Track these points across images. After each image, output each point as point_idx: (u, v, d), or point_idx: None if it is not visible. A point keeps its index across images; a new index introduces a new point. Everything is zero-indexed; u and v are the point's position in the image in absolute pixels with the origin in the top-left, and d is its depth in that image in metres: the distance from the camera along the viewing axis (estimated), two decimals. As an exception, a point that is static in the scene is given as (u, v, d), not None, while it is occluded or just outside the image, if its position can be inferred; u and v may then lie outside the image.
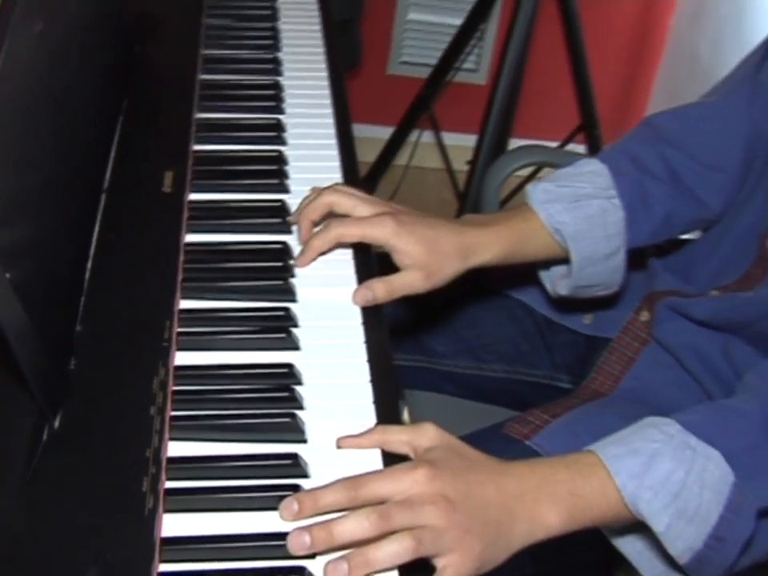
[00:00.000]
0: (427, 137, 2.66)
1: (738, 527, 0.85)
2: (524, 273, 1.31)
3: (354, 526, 0.72)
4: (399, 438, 0.82)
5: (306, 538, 0.72)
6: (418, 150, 2.64)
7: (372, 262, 1.05)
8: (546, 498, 0.82)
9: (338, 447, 0.82)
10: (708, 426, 0.88)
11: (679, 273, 1.25)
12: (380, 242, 1.02)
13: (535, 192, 1.12)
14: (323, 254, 1.03)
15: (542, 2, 2.21)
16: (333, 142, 1.21)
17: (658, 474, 0.83)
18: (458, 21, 2.42)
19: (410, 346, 1.32)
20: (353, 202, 1.03)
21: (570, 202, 1.11)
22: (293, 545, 0.72)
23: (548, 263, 1.18)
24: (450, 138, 2.63)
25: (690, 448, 0.85)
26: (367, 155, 2.45)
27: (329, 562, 0.71)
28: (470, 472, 0.80)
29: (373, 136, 2.67)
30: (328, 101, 1.29)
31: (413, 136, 2.57)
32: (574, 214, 1.11)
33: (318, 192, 1.04)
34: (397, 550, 0.72)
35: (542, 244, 1.12)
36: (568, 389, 1.30)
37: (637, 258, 1.30)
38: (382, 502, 0.75)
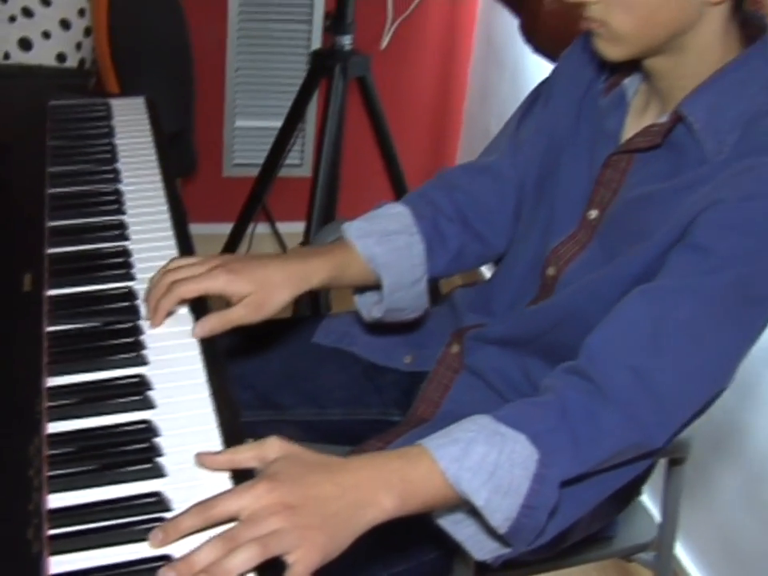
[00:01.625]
0: (263, 228, 2.76)
1: (544, 496, 0.96)
2: (350, 330, 1.43)
3: (207, 554, 0.80)
4: (246, 454, 0.90)
5: (173, 573, 0.79)
6: (256, 241, 2.72)
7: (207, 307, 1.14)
8: (380, 485, 0.90)
9: (197, 463, 0.90)
10: (515, 416, 0.99)
11: (480, 309, 1.37)
12: (216, 291, 1.11)
13: (351, 229, 1.24)
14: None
15: (350, 98, 2.33)
16: (170, 234, 1.29)
17: (475, 456, 0.93)
18: (279, 123, 2.51)
19: (258, 403, 1.40)
20: (186, 269, 1.12)
21: (380, 236, 1.24)
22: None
23: (363, 290, 1.29)
24: (283, 227, 2.75)
25: (500, 434, 0.96)
26: (212, 250, 2.52)
27: None
28: (308, 475, 0.88)
29: (216, 232, 2.74)
30: (165, 204, 1.37)
31: (251, 228, 2.65)
32: (385, 246, 1.23)
33: (160, 271, 1.13)
34: (246, 558, 0.80)
35: (358, 272, 1.24)
36: (398, 420, 1.40)
37: (444, 303, 1.44)
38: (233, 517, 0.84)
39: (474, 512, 0.96)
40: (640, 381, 1.01)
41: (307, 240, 2.37)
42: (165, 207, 1.35)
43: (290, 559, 0.83)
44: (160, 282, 1.11)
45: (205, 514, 0.83)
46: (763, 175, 1.02)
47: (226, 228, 2.63)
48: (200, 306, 1.13)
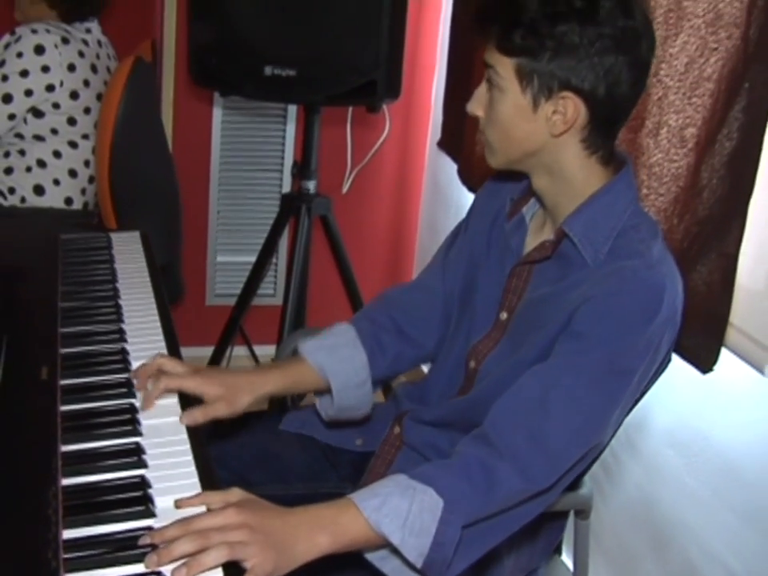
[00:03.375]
0: (241, 350, 2.91)
1: (449, 534, 1.15)
2: (310, 419, 1.61)
3: (185, 547, 0.99)
4: (216, 498, 1.09)
5: (155, 558, 0.98)
6: (234, 362, 2.86)
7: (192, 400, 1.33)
8: (316, 528, 1.10)
9: (176, 507, 1.08)
10: (425, 473, 1.19)
11: (416, 400, 1.56)
12: (192, 390, 1.33)
13: (304, 345, 1.46)
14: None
15: (315, 235, 2.55)
16: (161, 338, 1.49)
17: (391, 506, 1.13)
18: (255, 258, 2.69)
19: (233, 480, 1.55)
20: (173, 364, 1.34)
21: (329, 350, 1.46)
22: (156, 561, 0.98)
23: (320, 393, 1.49)
24: (259, 349, 2.90)
25: (413, 488, 1.16)
26: (195, 368, 2.67)
27: (174, 568, 0.97)
28: (264, 510, 1.09)
29: (198, 355, 2.84)
30: (156, 315, 1.57)
31: (229, 351, 2.80)
32: (332, 357, 1.45)
33: (151, 359, 1.34)
34: (217, 556, 0.99)
35: (312, 380, 1.45)
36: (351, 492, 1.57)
37: (390, 397, 1.63)
38: None
39: (395, 550, 1.15)
40: (531, 438, 1.21)
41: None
42: (156, 318, 1.56)
43: (248, 564, 1.02)
44: (151, 363, 1.32)
45: (187, 527, 1.01)
46: (626, 275, 1.24)
47: (207, 351, 2.78)
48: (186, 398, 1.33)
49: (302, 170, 2.51)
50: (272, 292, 3.13)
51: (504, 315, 1.42)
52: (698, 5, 1.51)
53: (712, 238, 1.47)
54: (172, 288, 2.58)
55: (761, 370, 1.47)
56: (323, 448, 1.60)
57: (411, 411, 1.53)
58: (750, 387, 1.55)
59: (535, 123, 1.28)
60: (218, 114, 2.93)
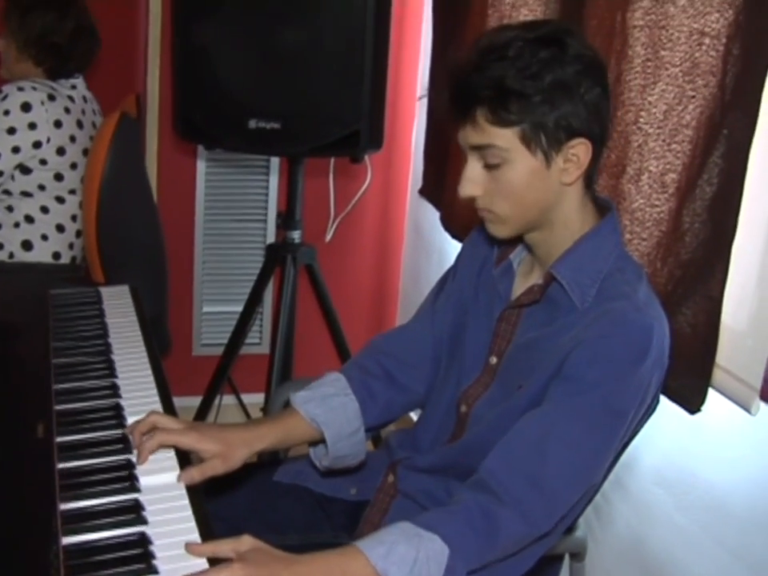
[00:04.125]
0: (229, 399, 2.89)
1: None
2: (304, 470, 1.60)
3: None
4: (225, 546, 1.08)
5: None
6: (222, 411, 2.86)
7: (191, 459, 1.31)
8: (325, 574, 1.08)
9: (188, 551, 1.07)
10: (430, 520, 1.18)
11: (408, 447, 1.55)
12: (188, 446, 1.31)
13: (296, 397, 1.45)
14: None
15: (301, 284, 2.53)
16: (154, 393, 1.48)
17: (398, 554, 1.12)
18: (241, 308, 2.66)
19: (228, 533, 1.55)
20: (168, 420, 1.32)
21: (320, 400, 1.44)
22: None
23: (314, 444, 1.47)
24: (247, 398, 2.88)
25: (419, 535, 1.15)
26: (184, 419, 2.66)
27: None
28: (272, 562, 1.07)
29: (186, 405, 2.80)
30: (149, 369, 1.56)
31: (218, 400, 2.79)
32: (324, 407, 1.43)
33: (146, 415, 1.32)
34: None
35: (305, 432, 1.43)
36: (347, 543, 1.55)
37: (381, 446, 1.62)
38: None
39: None
40: (530, 483, 1.20)
41: (267, 407, 2.51)
42: (149, 371, 1.54)
43: None
44: (145, 420, 1.30)
45: None
46: (615, 317, 1.25)
47: (195, 401, 2.74)
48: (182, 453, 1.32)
49: (286, 220, 2.50)
50: (258, 341, 3.12)
51: (494, 359, 1.43)
52: (674, 54, 1.53)
53: (696, 281, 1.48)
54: (160, 340, 2.57)
55: (747, 409, 1.48)
56: (317, 498, 1.59)
57: (404, 459, 1.52)
58: (736, 425, 1.55)
59: (549, 179, 1.30)
60: (201, 166, 2.94)
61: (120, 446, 1.31)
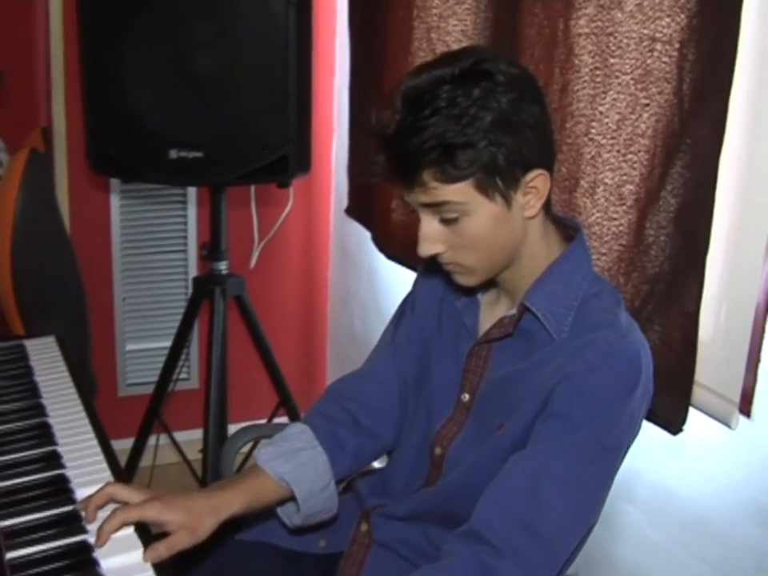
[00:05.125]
0: (163, 438, 2.73)
1: None
2: (269, 524, 1.46)
3: None
4: None
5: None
6: (158, 451, 2.71)
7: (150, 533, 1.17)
8: None
9: None
10: None
11: (380, 493, 1.43)
12: (152, 519, 1.16)
13: (261, 455, 1.31)
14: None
15: (229, 315, 2.41)
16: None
17: None
18: (166, 343, 2.54)
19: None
20: (127, 492, 1.17)
21: (287, 456, 1.31)
22: None
23: (282, 503, 1.34)
24: (180, 436, 2.72)
25: None
26: (116, 465, 2.49)
27: None
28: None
29: (116, 448, 2.69)
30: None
31: (155, 440, 2.66)
32: (292, 464, 1.30)
33: (100, 487, 1.17)
34: None
35: (274, 491, 1.30)
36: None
37: (348, 492, 1.49)
38: None
39: None
40: (527, 530, 1.10)
41: (206, 446, 2.38)
42: (92, 435, 1.39)
43: None
44: (100, 492, 1.16)
45: None
46: (601, 348, 1.16)
47: (125, 444, 2.59)
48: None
49: (211, 251, 2.37)
50: (186, 376, 2.95)
51: (466, 396, 1.32)
52: (625, 62, 1.46)
53: (667, 296, 1.41)
54: (87, 383, 2.40)
55: (727, 424, 1.41)
56: (285, 553, 1.45)
57: (378, 507, 1.40)
58: (714, 440, 1.48)
59: (513, 219, 1.20)
60: (115, 199, 2.76)
61: (72, 525, 1.16)
